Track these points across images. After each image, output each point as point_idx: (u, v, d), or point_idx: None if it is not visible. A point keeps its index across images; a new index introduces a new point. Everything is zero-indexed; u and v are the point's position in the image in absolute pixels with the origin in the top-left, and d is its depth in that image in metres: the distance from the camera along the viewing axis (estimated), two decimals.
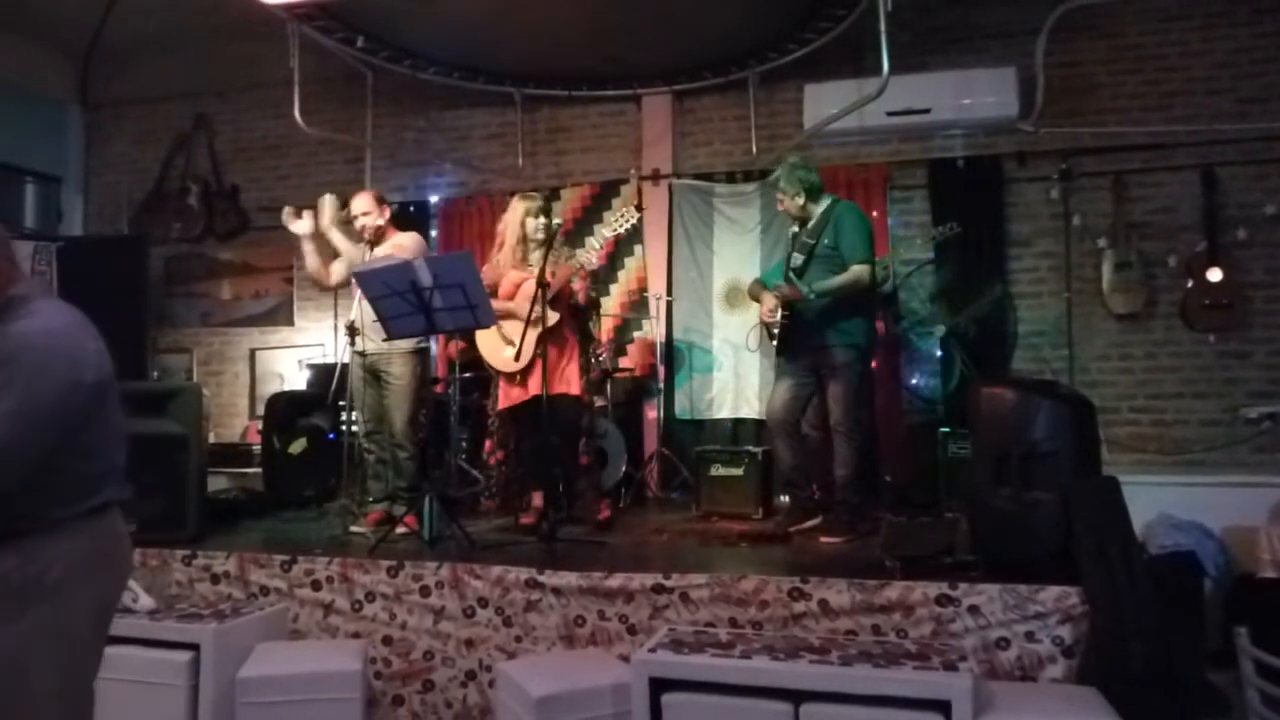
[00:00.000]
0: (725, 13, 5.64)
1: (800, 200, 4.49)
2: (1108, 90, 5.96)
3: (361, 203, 4.72)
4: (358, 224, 4.69)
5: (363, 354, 4.65)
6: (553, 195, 6.76)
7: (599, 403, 5.51)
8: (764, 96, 6.46)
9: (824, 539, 4.31)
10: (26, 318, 2.04)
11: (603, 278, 6.41)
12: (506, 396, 4.66)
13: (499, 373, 4.66)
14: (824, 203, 4.51)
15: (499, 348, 4.56)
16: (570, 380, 4.58)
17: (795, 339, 4.45)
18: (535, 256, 4.56)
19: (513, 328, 4.49)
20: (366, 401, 4.73)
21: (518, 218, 4.63)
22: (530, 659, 3.52)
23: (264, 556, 3.99)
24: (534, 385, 4.49)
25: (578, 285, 4.57)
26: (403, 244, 4.69)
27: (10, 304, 2.07)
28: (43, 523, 2.06)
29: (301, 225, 4.74)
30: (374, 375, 4.72)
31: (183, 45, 7.06)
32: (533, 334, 4.43)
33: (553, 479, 4.64)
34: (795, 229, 4.61)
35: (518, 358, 4.48)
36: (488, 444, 5.15)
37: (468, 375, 5.63)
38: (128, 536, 2.28)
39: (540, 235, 4.57)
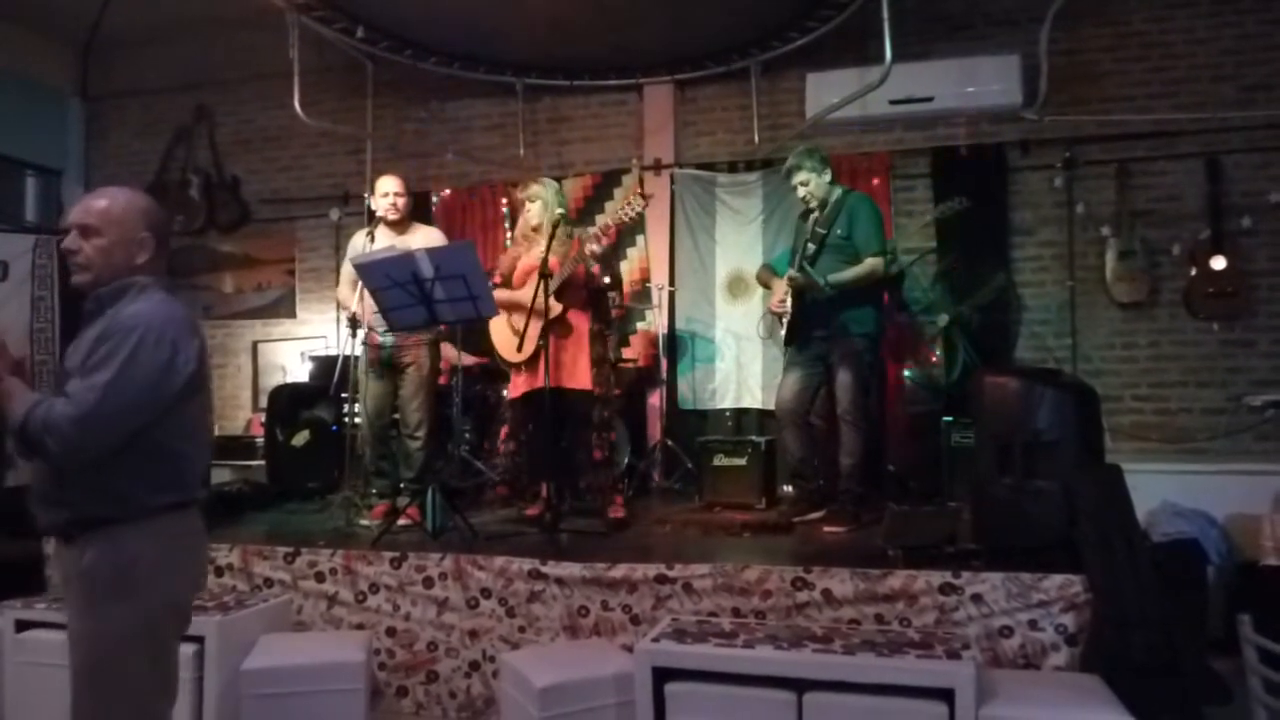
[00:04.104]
0: (728, 1, 5.61)
1: (827, 178, 4.48)
2: (1112, 78, 5.92)
3: (393, 183, 4.71)
4: (386, 202, 4.65)
5: (380, 346, 4.64)
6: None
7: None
8: (766, 86, 6.43)
9: (827, 529, 4.31)
10: (139, 302, 2.17)
11: (610, 263, 6.28)
12: (515, 386, 4.61)
13: (509, 362, 4.61)
14: (836, 191, 4.51)
15: (507, 339, 4.53)
16: (580, 373, 4.47)
17: (804, 328, 4.45)
18: (536, 248, 4.49)
19: (521, 318, 4.44)
20: (372, 394, 4.72)
21: (534, 203, 4.56)
22: (534, 649, 3.53)
23: (267, 548, 4.01)
24: (541, 376, 4.40)
25: (580, 271, 4.44)
26: (434, 237, 4.72)
27: (127, 289, 2.20)
28: (132, 510, 2.13)
29: None
30: (389, 366, 4.70)
31: (182, 36, 7.04)
32: (537, 324, 4.37)
33: (556, 471, 4.62)
34: (812, 216, 4.52)
35: (520, 349, 4.47)
36: (503, 432, 5.09)
37: (472, 366, 5.62)
38: (206, 534, 2.38)
39: (535, 222, 4.52)
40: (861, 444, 4.41)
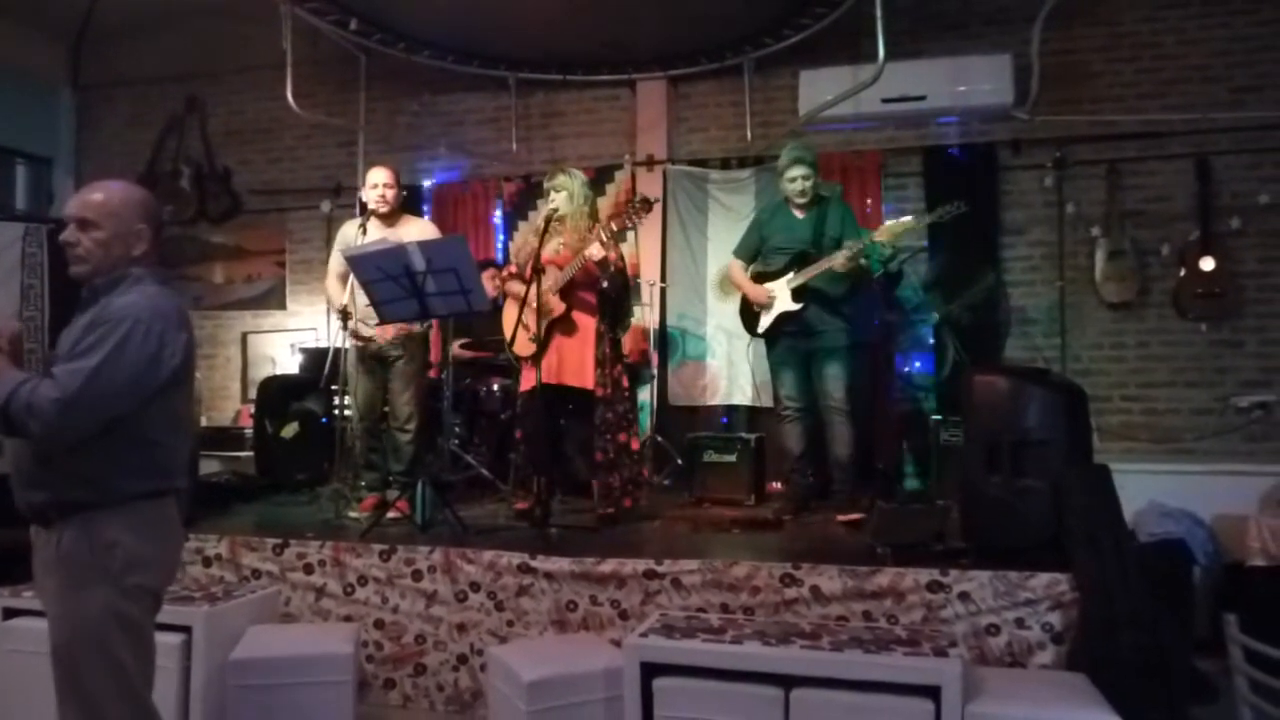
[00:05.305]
0: None
1: (819, 177, 4.58)
2: (1103, 78, 5.95)
3: (383, 174, 4.65)
4: (375, 194, 4.60)
5: (368, 339, 4.61)
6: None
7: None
8: (759, 83, 6.43)
9: (841, 518, 4.34)
10: (132, 294, 2.22)
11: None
12: (524, 379, 4.56)
13: (518, 356, 4.55)
14: (817, 194, 4.58)
15: (518, 333, 4.49)
16: (583, 372, 4.40)
17: (796, 322, 4.47)
18: (555, 240, 4.41)
19: (529, 312, 4.37)
20: (361, 388, 4.71)
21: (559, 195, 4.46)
22: (522, 643, 3.53)
23: (256, 540, 4.00)
24: (545, 372, 4.39)
25: (581, 274, 4.35)
26: (427, 229, 4.69)
27: (122, 280, 2.25)
28: (109, 495, 2.17)
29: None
30: (378, 360, 4.68)
31: (174, 26, 6.99)
32: (543, 320, 4.36)
33: (546, 467, 4.60)
34: (798, 214, 4.58)
35: (512, 344, 4.46)
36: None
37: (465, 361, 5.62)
38: (180, 524, 2.39)
39: (561, 214, 4.41)
40: (854, 435, 4.49)
